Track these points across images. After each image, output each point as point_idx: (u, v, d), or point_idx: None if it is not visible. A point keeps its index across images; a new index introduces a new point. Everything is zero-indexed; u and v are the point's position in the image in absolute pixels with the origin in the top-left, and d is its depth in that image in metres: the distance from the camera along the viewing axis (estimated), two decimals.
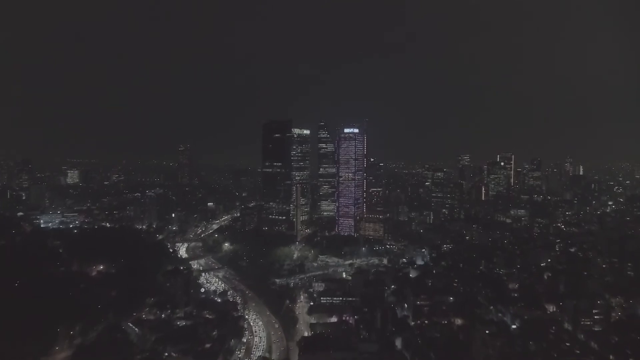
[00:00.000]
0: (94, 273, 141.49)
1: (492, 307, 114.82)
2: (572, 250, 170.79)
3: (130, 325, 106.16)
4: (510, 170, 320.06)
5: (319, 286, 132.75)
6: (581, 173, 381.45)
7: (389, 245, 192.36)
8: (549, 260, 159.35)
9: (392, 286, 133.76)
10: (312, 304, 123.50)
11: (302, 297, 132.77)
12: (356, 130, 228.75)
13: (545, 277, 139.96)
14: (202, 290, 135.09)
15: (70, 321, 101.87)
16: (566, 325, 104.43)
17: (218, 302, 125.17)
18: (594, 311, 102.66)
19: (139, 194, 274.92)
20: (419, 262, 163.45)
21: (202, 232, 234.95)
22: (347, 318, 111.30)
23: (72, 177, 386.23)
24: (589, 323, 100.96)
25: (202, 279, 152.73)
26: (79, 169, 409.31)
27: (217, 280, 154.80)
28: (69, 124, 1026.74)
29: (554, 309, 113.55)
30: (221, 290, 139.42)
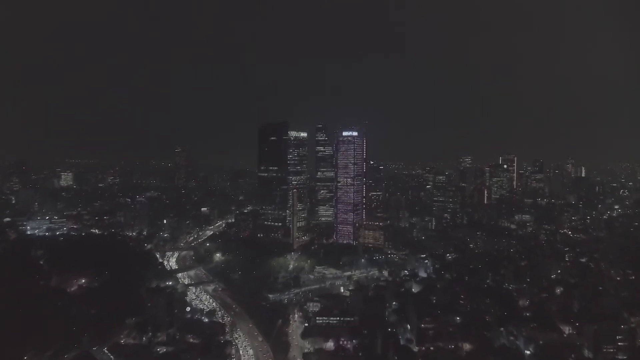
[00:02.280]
0: (74, 287, 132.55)
1: (502, 328, 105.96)
2: (583, 260, 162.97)
3: (106, 352, 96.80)
4: (513, 173, 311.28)
5: (314, 305, 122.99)
6: (583, 174, 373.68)
7: (390, 254, 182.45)
8: (559, 271, 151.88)
9: (394, 303, 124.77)
10: (307, 324, 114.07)
11: (296, 316, 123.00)
12: (355, 133, 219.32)
13: (558, 292, 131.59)
14: (188, 309, 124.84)
15: (40, 347, 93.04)
16: (586, 352, 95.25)
17: (205, 322, 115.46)
18: (617, 337, 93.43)
19: (129, 199, 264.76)
20: (422, 274, 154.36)
21: (195, 239, 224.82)
22: (345, 343, 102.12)
23: (66, 179, 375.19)
24: (612, 350, 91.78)
25: (190, 294, 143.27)
26: (74, 171, 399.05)
27: (206, 296, 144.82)
28: (69, 124, 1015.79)
29: (570, 330, 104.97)
30: (209, 308, 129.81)
